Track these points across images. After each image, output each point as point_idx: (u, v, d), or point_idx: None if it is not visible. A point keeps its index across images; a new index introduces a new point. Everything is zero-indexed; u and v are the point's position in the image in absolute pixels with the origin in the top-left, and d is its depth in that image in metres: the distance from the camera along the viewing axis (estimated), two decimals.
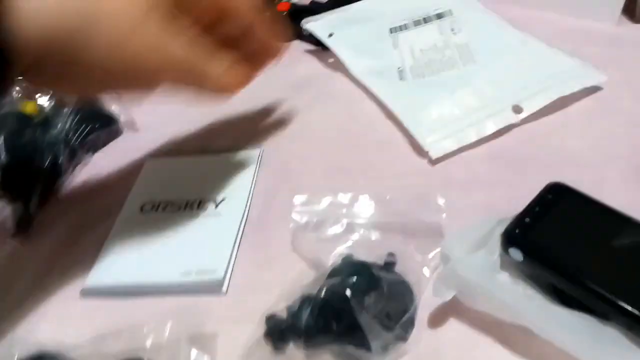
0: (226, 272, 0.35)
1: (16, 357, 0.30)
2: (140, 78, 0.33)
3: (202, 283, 0.35)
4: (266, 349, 0.30)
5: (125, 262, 0.37)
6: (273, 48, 0.39)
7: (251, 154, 0.45)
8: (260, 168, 0.44)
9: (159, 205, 0.41)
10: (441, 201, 0.35)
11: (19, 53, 0.27)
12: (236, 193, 0.41)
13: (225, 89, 0.36)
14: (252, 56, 0.38)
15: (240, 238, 0.38)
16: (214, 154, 0.46)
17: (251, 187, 0.42)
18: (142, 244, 0.38)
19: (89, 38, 0.29)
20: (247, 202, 0.40)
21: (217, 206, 0.40)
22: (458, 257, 0.28)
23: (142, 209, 0.41)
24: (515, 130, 0.43)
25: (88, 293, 0.36)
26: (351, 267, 0.31)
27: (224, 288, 0.35)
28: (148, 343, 0.29)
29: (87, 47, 0.29)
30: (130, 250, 0.38)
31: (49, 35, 0.28)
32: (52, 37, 0.28)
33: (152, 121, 0.51)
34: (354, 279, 0.29)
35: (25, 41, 0.27)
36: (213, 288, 0.34)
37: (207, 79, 0.34)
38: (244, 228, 0.38)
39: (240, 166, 0.44)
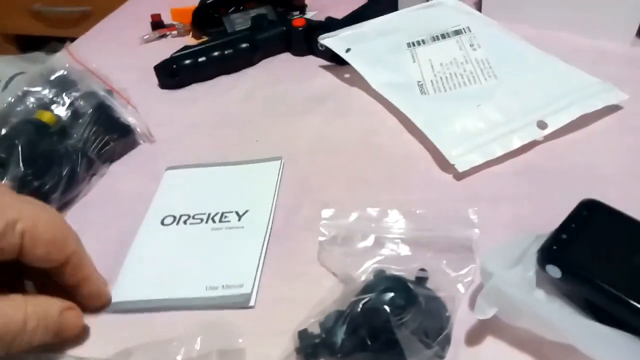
0: (253, 286, 0.34)
1: None
2: None
3: (230, 298, 0.34)
4: None
5: (148, 277, 0.36)
6: (103, 295, 0.35)
7: (272, 164, 0.44)
8: (281, 180, 0.43)
9: (180, 218, 0.40)
10: (474, 217, 0.34)
11: None
12: (259, 204, 0.40)
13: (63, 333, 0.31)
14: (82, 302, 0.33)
15: (266, 251, 0.37)
16: (233, 164, 0.45)
17: (274, 198, 0.41)
18: (165, 258, 0.37)
19: None
20: (271, 214, 0.40)
21: (240, 218, 0.39)
22: (500, 273, 0.28)
23: (163, 222, 0.40)
24: (538, 146, 0.43)
25: (110, 310, 0.34)
26: (387, 282, 0.30)
27: (252, 302, 0.34)
28: (178, 358, 0.28)
29: None
30: (153, 264, 0.37)
31: None
32: None
33: (168, 132, 0.51)
34: (392, 294, 0.29)
35: None
36: (241, 303, 0.34)
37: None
38: (268, 240, 0.38)
39: (261, 177, 0.43)
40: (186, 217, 0.40)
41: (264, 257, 0.37)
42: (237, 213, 0.40)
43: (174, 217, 0.40)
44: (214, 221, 0.39)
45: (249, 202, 0.41)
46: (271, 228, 0.39)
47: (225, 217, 0.40)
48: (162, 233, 0.39)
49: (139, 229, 0.40)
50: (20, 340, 0.28)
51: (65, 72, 0.50)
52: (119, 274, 0.36)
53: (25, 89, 0.48)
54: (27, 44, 1.78)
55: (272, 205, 0.40)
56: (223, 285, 0.34)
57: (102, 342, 0.32)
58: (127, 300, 0.35)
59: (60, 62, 0.50)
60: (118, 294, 0.35)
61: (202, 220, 0.40)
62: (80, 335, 0.32)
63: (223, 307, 0.34)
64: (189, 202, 0.42)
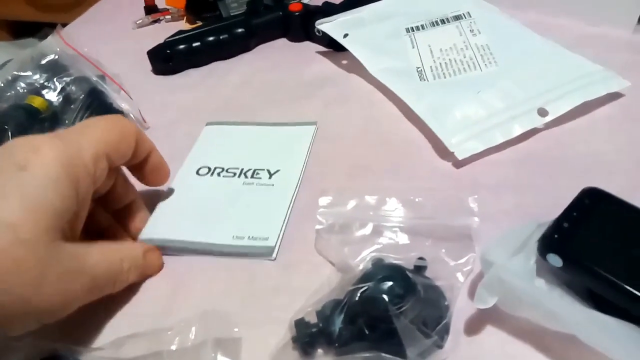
0: (277, 240, 0.36)
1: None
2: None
3: (254, 248, 0.35)
4: (293, 354, 0.29)
5: (179, 219, 0.38)
6: (165, 166, 0.38)
7: (307, 128, 0.46)
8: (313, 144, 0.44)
9: (214, 170, 0.42)
10: (473, 205, 0.34)
11: None
12: (290, 165, 0.42)
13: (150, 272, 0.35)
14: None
15: (292, 209, 0.38)
16: (271, 125, 0.47)
17: (305, 160, 0.42)
18: (197, 205, 0.39)
19: None
20: (301, 175, 0.41)
21: (271, 176, 0.41)
22: (501, 263, 0.27)
23: (198, 171, 0.42)
24: (539, 134, 0.43)
25: None
26: (385, 271, 0.29)
27: (274, 255, 0.35)
28: (173, 347, 0.28)
29: None
30: (185, 209, 0.39)
31: None
32: None
33: (162, 119, 0.50)
34: (390, 283, 0.28)
35: None
36: (264, 254, 0.35)
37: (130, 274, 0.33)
38: (295, 200, 0.39)
39: (295, 139, 0.45)
40: (220, 170, 0.42)
41: (290, 215, 0.38)
42: (268, 171, 0.41)
43: (209, 168, 0.42)
44: (246, 176, 0.41)
45: (281, 162, 0.42)
46: (299, 188, 0.40)
47: (257, 173, 0.41)
48: (196, 181, 0.41)
49: (175, 175, 0.41)
50: (121, 279, 0.32)
51: (57, 57, 0.49)
52: (151, 213, 0.38)
53: (15, 73, 0.47)
54: (20, 30, 1.76)
55: (303, 167, 0.42)
56: (249, 237, 0.36)
57: (96, 332, 0.31)
58: (157, 237, 0.36)
59: (51, 46, 0.49)
60: (149, 231, 0.37)
61: (234, 174, 0.41)
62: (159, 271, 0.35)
63: (247, 256, 0.35)
64: (224, 156, 0.43)
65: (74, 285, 0.27)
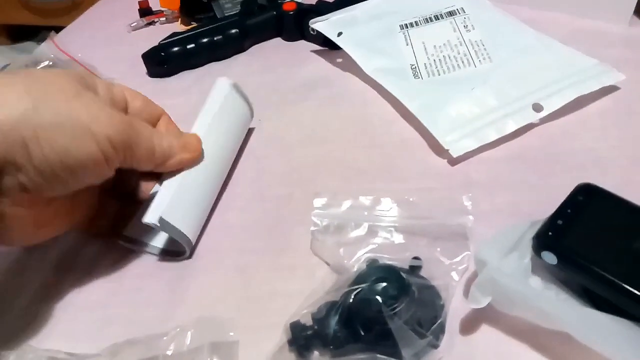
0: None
1: None
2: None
3: None
4: (289, 357, 0.29)
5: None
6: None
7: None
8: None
9: None
10: (467, 203, 0.34)
11: None
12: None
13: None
14: None
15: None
16: None
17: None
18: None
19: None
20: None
21: None
22: (494, 262, 0.27)
23: None
24: (534, 130, 0.42)
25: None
26: (379, 272, 0.30)
27: None
28: (169, 352, 0.28)
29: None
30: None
31: None
32: None
33: None
34: (384, 284, 0.28)
35: None
36: None
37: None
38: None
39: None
40: None
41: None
42: None
43: None
44: None
45: None
46: None
47: None
48: None
49: None
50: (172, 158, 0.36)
51: (51, 63, 0.49)
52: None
53: None
54: (18, 34, 1.76)
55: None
56: None
57: (91, 339, 0.31)
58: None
59: (45, 53, 0.49)
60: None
61: None
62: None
63: None
64: None
65: None
